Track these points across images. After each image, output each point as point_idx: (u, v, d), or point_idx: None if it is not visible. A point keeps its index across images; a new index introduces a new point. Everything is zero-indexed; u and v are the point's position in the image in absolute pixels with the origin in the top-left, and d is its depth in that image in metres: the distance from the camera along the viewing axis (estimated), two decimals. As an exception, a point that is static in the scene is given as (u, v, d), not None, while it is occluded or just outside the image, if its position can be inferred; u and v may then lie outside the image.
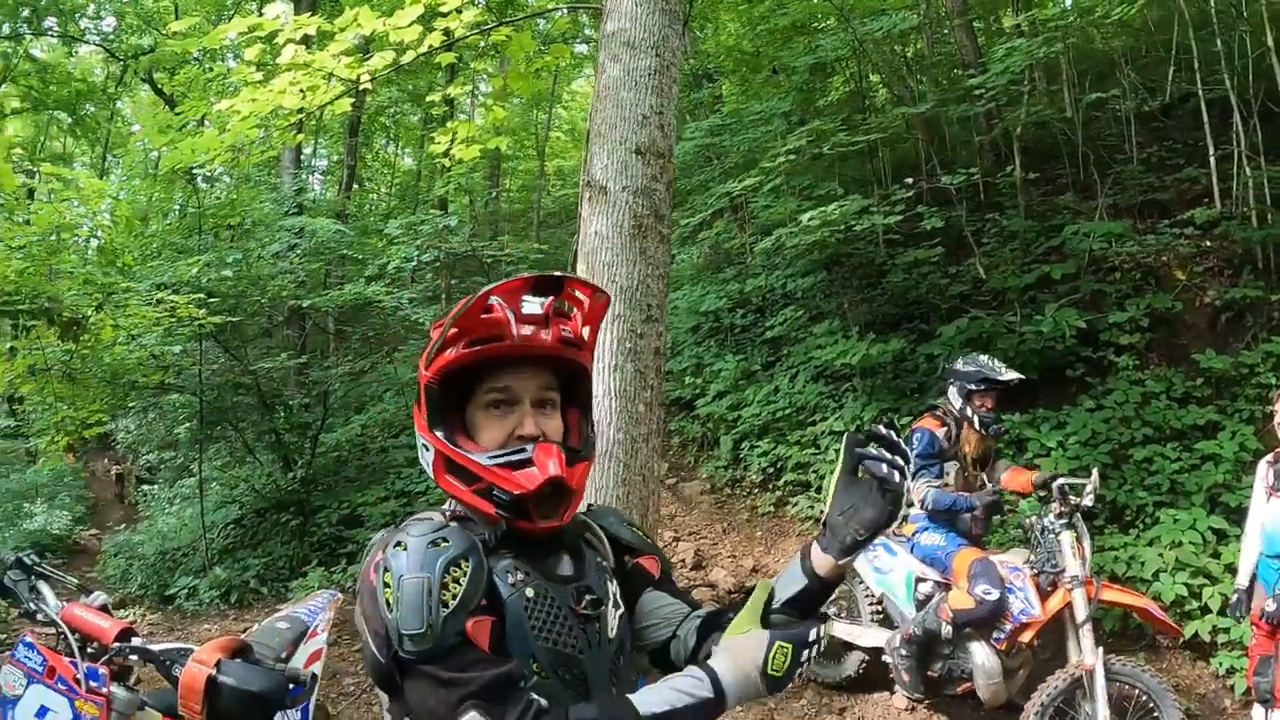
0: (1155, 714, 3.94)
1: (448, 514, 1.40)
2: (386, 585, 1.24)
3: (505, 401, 1.38)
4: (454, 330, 1.34)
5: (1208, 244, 7.18)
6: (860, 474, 1.36)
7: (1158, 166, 7.95)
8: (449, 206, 12.90)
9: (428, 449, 1.40)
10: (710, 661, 1.29)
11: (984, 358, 4.79)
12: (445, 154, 6.49)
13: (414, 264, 7.49)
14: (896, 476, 1.31)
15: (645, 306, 3.83)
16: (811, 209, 7.09)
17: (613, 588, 1.49)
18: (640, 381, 3.75)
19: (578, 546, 1.49)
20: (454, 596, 1.22)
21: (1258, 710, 4.13)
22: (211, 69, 12.53)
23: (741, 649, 1.27)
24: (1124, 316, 6.65)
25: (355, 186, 16.47)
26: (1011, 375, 4.64)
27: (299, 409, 10.17)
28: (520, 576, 1.34)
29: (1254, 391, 5.82)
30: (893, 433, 1.36)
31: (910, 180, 7.62)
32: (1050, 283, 7.11)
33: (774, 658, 1.25)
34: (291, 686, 2.40)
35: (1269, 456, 4.31)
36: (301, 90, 5.66)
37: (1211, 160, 7.15)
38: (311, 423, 9.94)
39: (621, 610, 1.49)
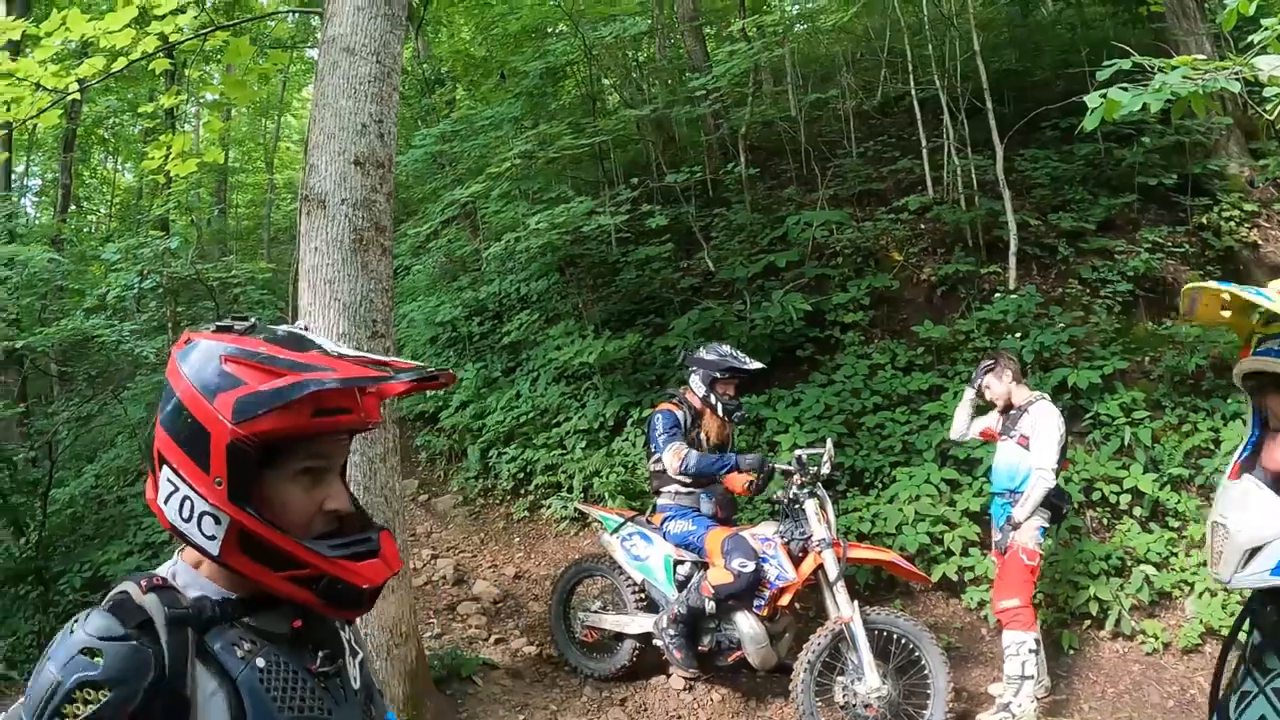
0: (916, 653, 4.26)
1: (144, 584, 1.17)
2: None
3: (319, 470, 1.21)
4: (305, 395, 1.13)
5: (921, 227, 7.96)
6: None
7: (874, 160, 8.71)
8: (170, 227, 11.79)
9: (219, 520, 1.15)
10: None
11: (725, 347, 5.02)
12: (160, 170, 6.03)
13: (135, 291, 6.77)
14: None
15: (370, 323, 3.69)
16: (543, 212, 7.14)
17: (345, 634, 1.36)
18: (372, 400, 3.60)
19: None
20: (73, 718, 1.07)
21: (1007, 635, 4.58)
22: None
23: None
24: (846, 297, 7.21)
25: (72, 208, 14.69)
26: (756, 365, 4.99)
27: (24, 464, 9.03)
28: (247, 647, 1.17)
29: (971, 355, 6.42)
30: None
31: (636, 180, 7.81)
32: (776, 271, 7.53)
33: None
34: None
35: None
36: (5, 102, 5.30)
37: (924, 152, 7.94)
38: (40, 479, 8.82)
39: (361, 655, 1.38)
